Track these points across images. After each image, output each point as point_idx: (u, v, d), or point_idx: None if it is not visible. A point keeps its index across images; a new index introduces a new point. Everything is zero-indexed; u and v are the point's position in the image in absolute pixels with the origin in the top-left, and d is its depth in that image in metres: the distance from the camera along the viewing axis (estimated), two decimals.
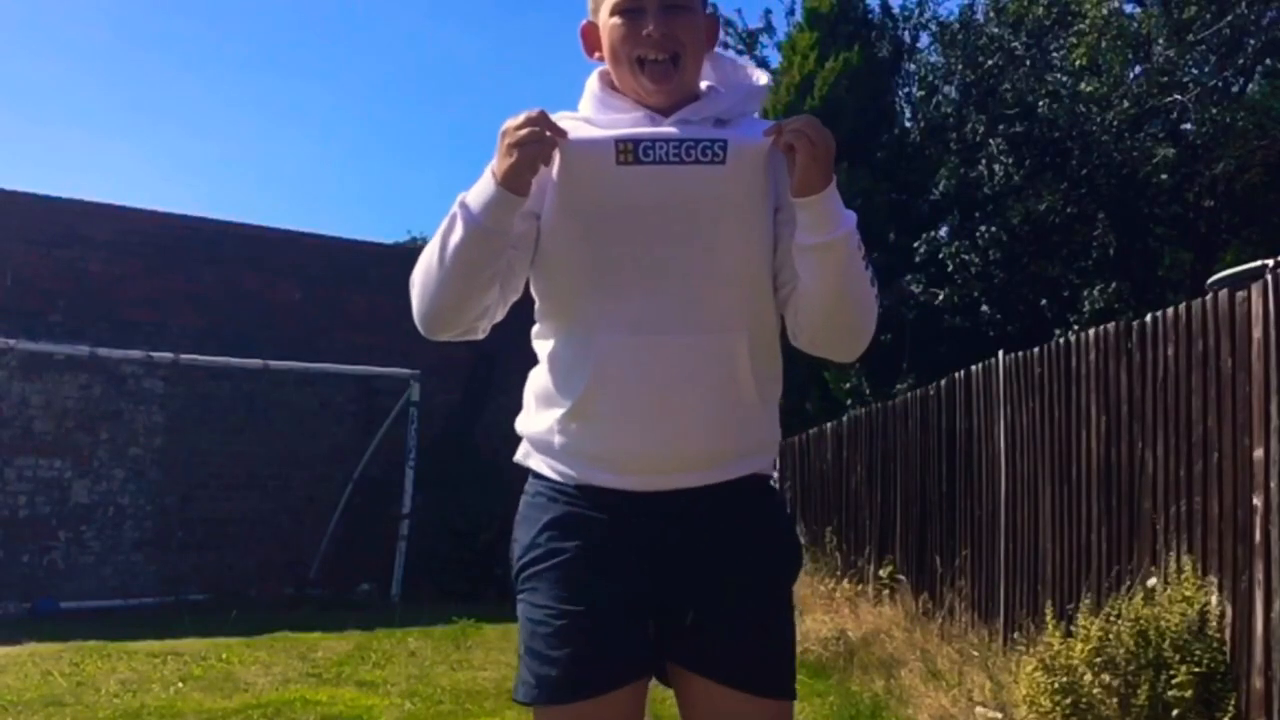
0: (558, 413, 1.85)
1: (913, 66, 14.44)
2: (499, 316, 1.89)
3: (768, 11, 22.74)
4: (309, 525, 11.77)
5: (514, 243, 1.79)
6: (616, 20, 1.81)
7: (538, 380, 1.92)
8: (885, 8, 14.45)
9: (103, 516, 11.04)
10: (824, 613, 7.68)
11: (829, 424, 9.54)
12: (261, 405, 11.83)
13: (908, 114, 14.39)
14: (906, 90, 14.53)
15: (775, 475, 1.97)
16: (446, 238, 1.76)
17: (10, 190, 10.94)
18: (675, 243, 1.78)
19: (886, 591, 7.47)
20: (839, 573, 8.40)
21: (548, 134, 1.72)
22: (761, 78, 1.94)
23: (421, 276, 1.82)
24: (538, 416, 1.90)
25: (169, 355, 10.86)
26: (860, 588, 7.94)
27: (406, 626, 8.63)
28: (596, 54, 1.89)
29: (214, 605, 9.74)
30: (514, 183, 1.71)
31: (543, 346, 1.91)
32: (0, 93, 50.64)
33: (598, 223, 1.78)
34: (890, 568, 7.61)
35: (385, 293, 12.40)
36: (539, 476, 1.90)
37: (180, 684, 6.29)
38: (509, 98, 56.22)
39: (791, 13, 14.79)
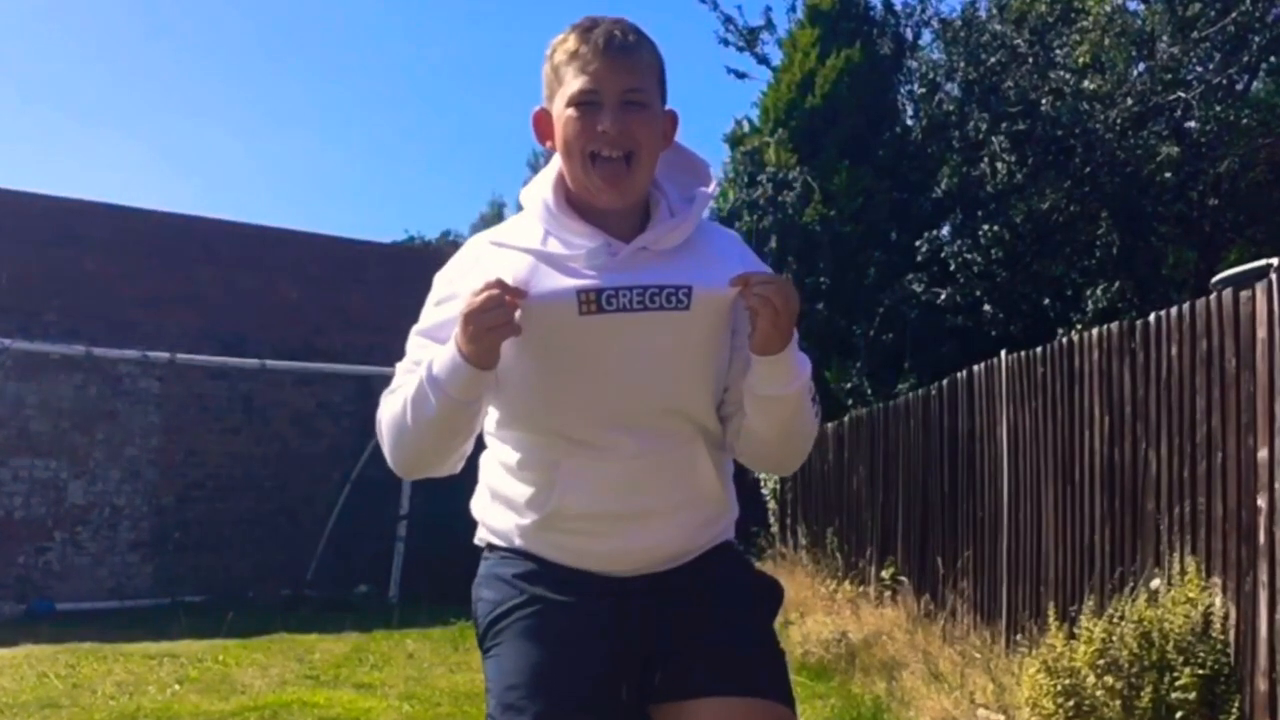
0: (520, 521, 1.86)
1: (915, 64, 14.38)
2: (469, 450, 1.90)
3: (769, 8, 22.69)
4: (306, 526, 11.75)
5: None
6: (572, 112, 1.77)
7: (497, 481, 1.92)
8: (887, 5, 14.41)
9: (99, 517, 11.03)
10: (825, 614, 7.66)
11: (830, 424, 9.50)
12: (259, 405, 11.82)
13: (909, 111, 14.34)
14: (908, 87, 14.48)
15: (733, 538, 2.00)
16: (419, 407, 1.76)
17: (6, 189, 10.94)
18: (641, 383, 1.78)
19: (888, 593, 7.45)
20: (840, 574, 8.38)
21: (514, 312, 1.70)
22: (708, 170, 1.94)
23: (393, 432, 1.82)
24: (499, 515, 1.91)
25: (165, 355, 10.84)
26: (862, 589, 7.92)
27: (404, 628, 8.64)
28: (549, 143, 1.85)
29: (211, 607, 9.71)
30: (485, 362, 1.71)
31: (500, 450, 1.90)
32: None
33: (559, 366, 1.79)
34: (892, 569, 7.60)
35: (384, 292, 12.40)
36: (512, 550, 1.90)
37: (177, 686, 6.29)
38: (509, 98, 56.27)
39: (793, 9, 14.73)
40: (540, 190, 1.85)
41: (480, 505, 1.96)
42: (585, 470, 1.79)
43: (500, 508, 1.91)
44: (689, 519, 1.85)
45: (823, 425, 9.63)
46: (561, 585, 1.83)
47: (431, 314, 1.84)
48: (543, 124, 1.86)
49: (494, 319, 1.67)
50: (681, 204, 1.86)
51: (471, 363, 1.70)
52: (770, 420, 1.81)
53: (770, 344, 1.73)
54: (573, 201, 1.82)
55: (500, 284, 1.69)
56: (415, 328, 1.85)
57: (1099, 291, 11.08)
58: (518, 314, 1.72)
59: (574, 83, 1.76)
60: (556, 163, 1.85)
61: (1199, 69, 11.67)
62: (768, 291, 1.70)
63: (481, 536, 1.96)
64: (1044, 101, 11.96)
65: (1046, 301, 11.97)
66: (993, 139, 12.28)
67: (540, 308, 1.73)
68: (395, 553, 11.45)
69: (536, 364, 1.78)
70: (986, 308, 11.88)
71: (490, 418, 1.90)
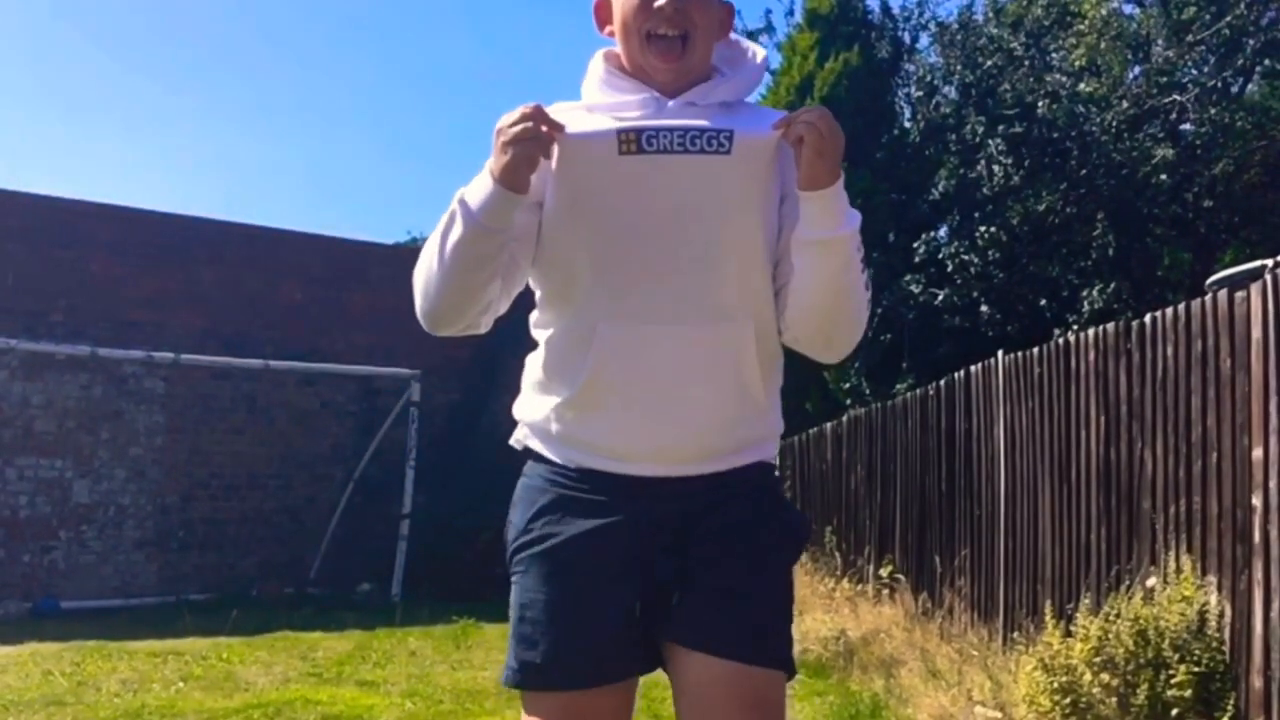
0: (556, 401, 1.84)
1: (912, 67, 14.43)
2: (502, 309, 1.87)
3: (768, 11, 22.80)
4: (309, 525, 11.78)
5: (515, 235, 1.77)
6: None
7: (536, 366, 1.90)
8: (885, 8, 14.45)
9: (103, 516, 11.05)
10: (824, 612, 7.68)
11: (829, 424, 9.54)
12: (262, 405, 11.84)
13: (907, 114, 14.37)
14: (906, 91, 14.52)
15: (775, 462, 1.94)
16: (446, 235, 1.74)
17: (11, 190, 10.94)
18: (679, 233, 1.75)
19: (886, 591, 7.47)
20: (839, 572, 8.41)
21: (544, 129, 1.69)
22: (759, 53, 1.94)
23: (423, 273, 1.80)
24: (535, 403, 1.89)
25: (170, 355, 10.86)
26: (860, 587, 7.94)
27: (407, 626, 8.64)
28: (608, 28, 1.87)
29: (215, 605, 9.74)
30: (511, 180, 1.68)
31: (542, 334, 1.89)
32: (0, 93, 50.65)
33: (601, 214, 1.76)
34: (890, 567, 7.62)
35: (385, 293, 12.42)
36: (537, 459, 1.89)
37: (181, 683, 6.29)
38: (509, 98, 56.14)
39: (791, 13, 14.79)
40: (594, 65, 1.87)
41: (519, 401, 1.93)
42: (622, 337, 1.76)
43: (536, 394, 1.88)
44: (728, 411, 1.80)
45: (821, 425, 9.72)
46: (590, 507, 1.80)
47: None
48: (602, 10, 1.88)
49: (523, 131, 1.66)
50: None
51: (499, 181, 1.68)
52: (819, 274, 1.75)
53: (817, 176, 1.70)
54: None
55: (538, 109, 1.69)
56: None
57: (1095, 292, 11.12)
58: (555, 146, 1.72)
59: None
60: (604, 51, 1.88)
61: (1194, 72, 11.73)
62: (814, 119, 1.69)
63: (518, 437, 1.93)
64: (1040, 104, 12.01)
65: (1043, 302, 12.00)
66: (990, 141, 12.32)
67: (580, 143, 1.73)
68: (398, 551, 11.47)
69: (575, 210, 1.76)
70: (984, 308, 11.91)
71: (533, 315, 1.89)
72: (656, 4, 1.77)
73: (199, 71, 53.21)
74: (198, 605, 9.70)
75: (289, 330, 12.00)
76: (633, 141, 1.72)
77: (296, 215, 66.41)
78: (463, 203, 1.73)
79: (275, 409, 11.90)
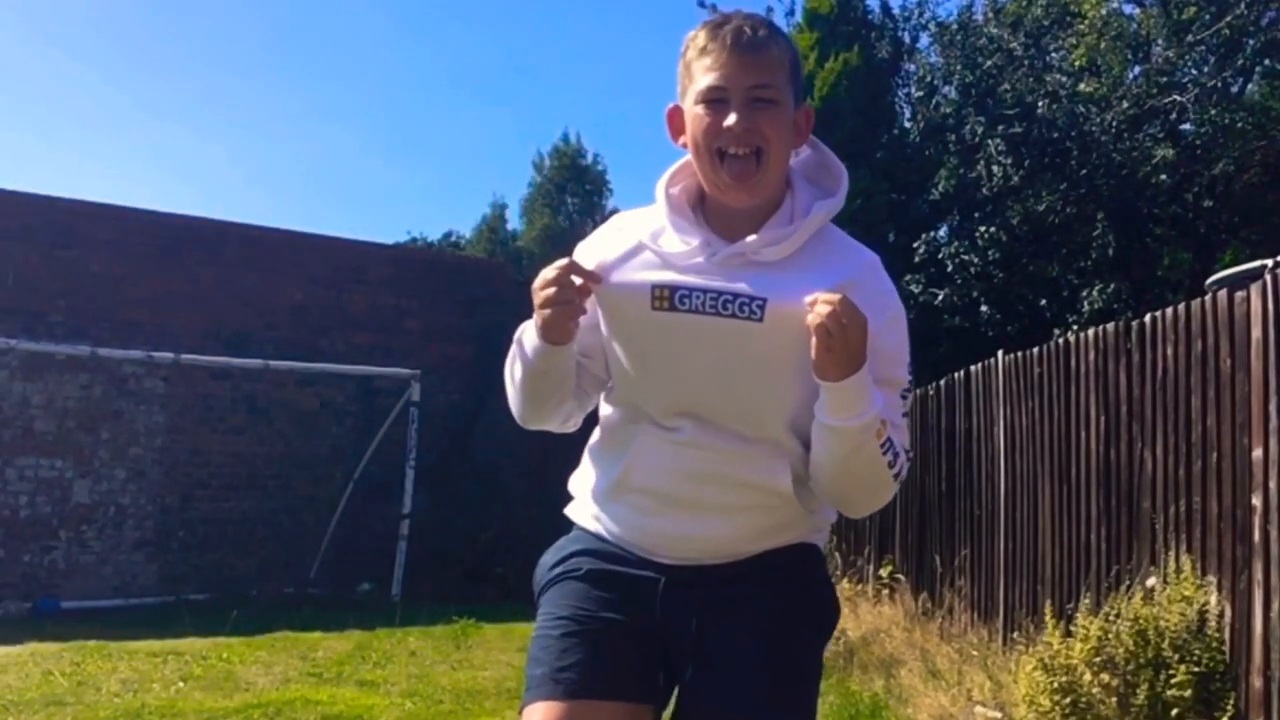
0: (597, 485, 1.91)
1: (912, 67, 14.45)
2: (588, 409, 1.97)
3: (768, 10, 22.73)
4: (309, 525, 11.76)
5: (584, 351, 1.86)
6: (700, 110, 1.77)
7: (590, 450, 1.98)
8: (885, 8, 14.48)
9: (103, 516, 11.04)
10: None
11: None
12: (262, 405, 11.83)
13: (907, 114, 14.40)
14: (906, 91, 14.55)
15: (819, 543, 1.93)
16: (513, 367, 1.87)
17: (11, 190, 10.93)
18: (714, 384, 1.78)
19: (886, 591, 7.48)
20: (839, 572, 8.41)
21: (577, 287, 1.74)
22: (839, 175, 1.88)
23: (509, 384, 1.92)
24: (583, 482, 1.96)
25: (170, 355, 10.85)
26: (860, 587, 7.95)
27: (407, 626, 8.63)
28: (681, 139, 1.85)
29: (215, 605, 9.72)
30: (551, 337, 1.76)
31: (602, 420, 1.95)
32: (1, 92, 50.64)
33: (643, 356, 1.82)
34: (890, 567, 7.63)
35: (385, 293, 12.43)
36: (582, 528, 1.95)
37: (181, 683, 6.28)
38: (510, 98, 56.22)
39: (791, 13, 14.80)
40: (665, 181, 1.87)
41: (574, 476, 2.00)
42: (656, 447, 1.81)
43: (586, 474, 1.96)
44: (755, 522, 1.82)
45: None
46: (622, 559, 1.85)
47: None
48: (675, 120, 1.86)
49: (555, 296, 1.72)
50: (803, 212, 1.82)
51: (540, 336, 1.77)
52: (831, 454, 1.75)
53: (825, 369, 1.68)
54: (704, 199, 1.85)
55: (572, 265, 1.75)
56: None
57: (1095, 292, 11.13)
58: (592, 297, 1.78)
59: (703, 79, 1.76)
60: (687, 157, 1.87)
61: (1194, 72, 11.73)
62: (823, 312, 1.66)
63: (568, 509, 1.99)
64: (1040, 104, 12.02)
65: (1043, 302, 12.02)
66: (989, 141, 12.33)
67: (616, 296, 1.79)
68: (398, 551, 11.46)
69: (619, 345, 1.84)
70: (984, 308, 11.93)
71: (605, 391, 1.95)
72: (726, 123, 1.75)
73: (199, 71, 53.21)
74: (197, 605, 9.69)
75: (289, 330, 11.99)
76: (666, 299, 1.76)
77: (296, 215, 66.39)
78: (519, 344, 1.84)
79: (275, 409, 11.89)
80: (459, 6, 56.43)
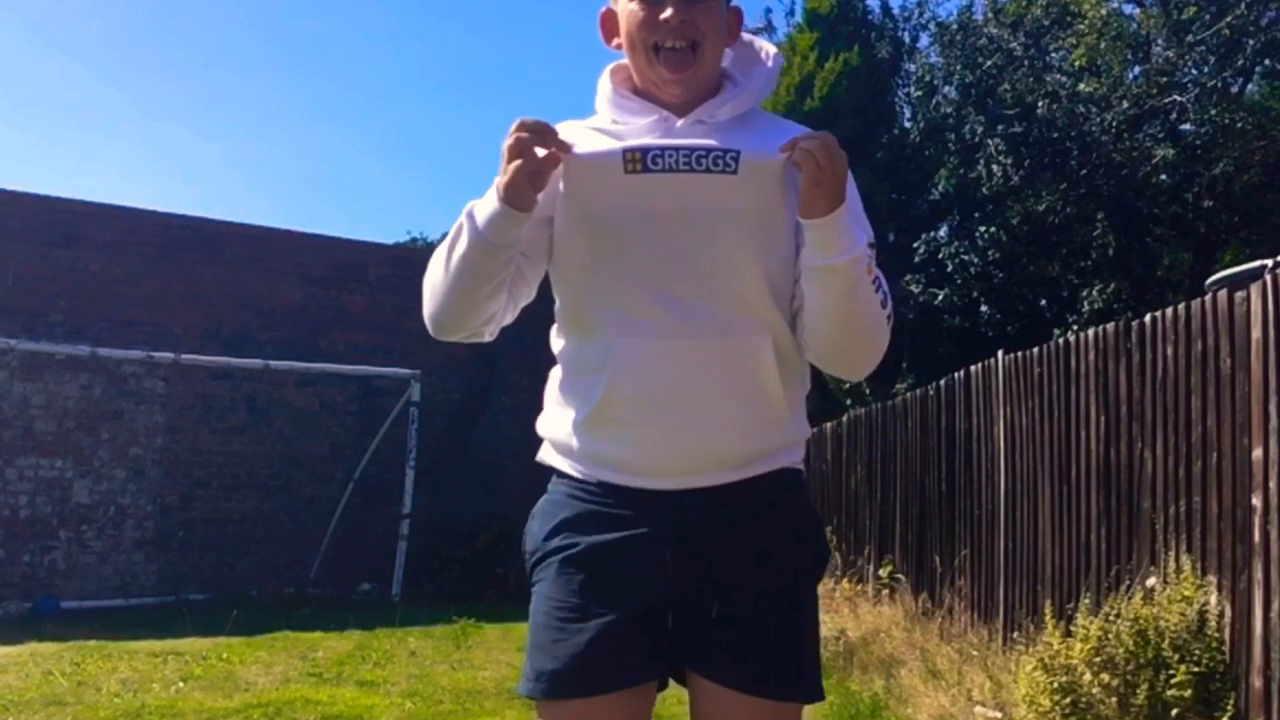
0: (575, 417, 1.83)
1: (912, 67, 14.47)
2: (508, 320, 1.88)
3: (768, 11, 22.77)
4: (309, 525, 11.77)
5: (525, 249, 1.78)
6: (635, 5, 1.78)
7: (556, 383, 1.90)
8: (885, 8, 14.50)
9: (104, 516, 11.04)
10: (823, 612, 7.67)
11: (829, 424, 9.55)
12: (262, 405, 11.84)
13: (907, 114, 14.41)
14: (906, 90, 14.56)
15: (801, 468, 1.91)
16: (453, 247, 1.75)
17: (11, 190, 10.94)
18: (691, 249, 1.74)
19: (886, 591, 7.48)
20: (839, 572, 8.41)
21: (547, 147, 1.69)
22: (771, 53, 1.91)
23: (431, 279, 1.81)
24: (557, 420, 1.88)
25: (170, 355, 10.87)
26: (860, 587, 7.95)
27: (407, 626, 8.64)
28: (615, 41, 1.86)
29: (215, 605, 9.74)
30: (515, 199, 1.68)
31: (561, 351, 1.88)
32: (1, 92, 50.64)
33: (611, 230, 1.75)
34: (890, 567, 7.62)
35: (385, 293, 12.43)
36: (561, 475, 1.88)
37: (181, 683, 6.29)
38: (510, 98, 56.34)
39: (791, 13, 14.83)
40: (602, 84, 1.86)
41: (542, 418, 1.93)
42: (638, 349, 1.75)
43: (557, 411, 1.88)
44: (747, 420, 1.79)
45: (821, 425, 9.71)
46: (612, 520, 1.79)
47: None
48: (609, 23, 1.87)
49: (517, 142, 1.67)
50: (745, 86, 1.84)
51: (504, 200, 1.68)
52: (825, 299, 1.73)
53: (815, 204, 1.67)
54: (638, 94, 1.83)
55: (541, 124, 1.70)
56: None
57: (1095, 292, 11.14)
58: (563, 168, 1.72)
59: None
60: (620, 60, 1.87)
61: (1194, 72, 11.74)
62: (811, 145, 1.66)
63: (541, 455, 1.93)
64: (1040, 104, 12.03)
65: (1043, 302, 12.03)
66: (989, 141, 12.34)
67: (586, 163, 1.73)
68: (398, 551, 11.48)
69: (584, 227, 1.77)
70: (984, 308, 11.94)
71: (553, 329, 1.89)
72: (662, 16, 1.75)
73: (199, 71, 53.22)
74: (198, 605, 9.70)
75: (289, 330, 12.00)
76: (638, 160, 1.71)
77: (296, 215, 66.43)
78: (470, 216, 1.73)
79: (275, 409, 11.90)
80: (458, 7, 56.48)
